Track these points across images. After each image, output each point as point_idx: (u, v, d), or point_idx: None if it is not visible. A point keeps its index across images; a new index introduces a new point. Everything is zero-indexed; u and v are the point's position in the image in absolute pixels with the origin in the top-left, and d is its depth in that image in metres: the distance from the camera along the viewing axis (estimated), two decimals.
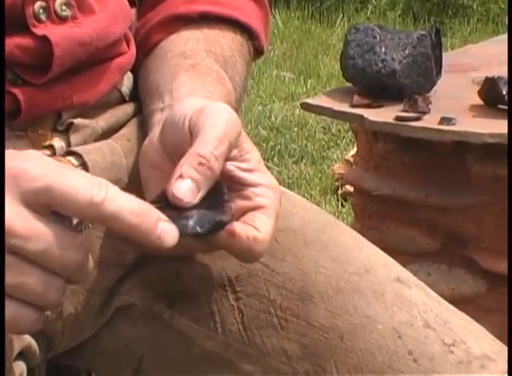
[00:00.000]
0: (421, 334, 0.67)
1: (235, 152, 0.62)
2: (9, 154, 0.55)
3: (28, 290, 0.54)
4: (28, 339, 0.67)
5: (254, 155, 0.63)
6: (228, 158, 0.62)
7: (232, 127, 0.61)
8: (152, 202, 0.59)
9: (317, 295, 0.69)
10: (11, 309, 0.54)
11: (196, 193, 0.59)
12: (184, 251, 0.64)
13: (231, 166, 0.63)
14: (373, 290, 0.69)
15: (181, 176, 0.59)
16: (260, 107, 3.53)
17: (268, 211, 0.62)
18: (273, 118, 3.42)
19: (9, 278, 0.53)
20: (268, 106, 3.57)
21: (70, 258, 0.54)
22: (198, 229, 0.58)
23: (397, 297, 0.69)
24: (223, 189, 0.61)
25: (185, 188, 0.59)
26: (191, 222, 0.57)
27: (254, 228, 0.61)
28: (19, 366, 0.66)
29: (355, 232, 0.75)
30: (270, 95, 3.75)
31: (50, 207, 0.54)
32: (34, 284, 0.54)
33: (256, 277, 0.70)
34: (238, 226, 0.60)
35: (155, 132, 0.66)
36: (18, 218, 0.53)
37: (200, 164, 0.59)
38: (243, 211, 0.62)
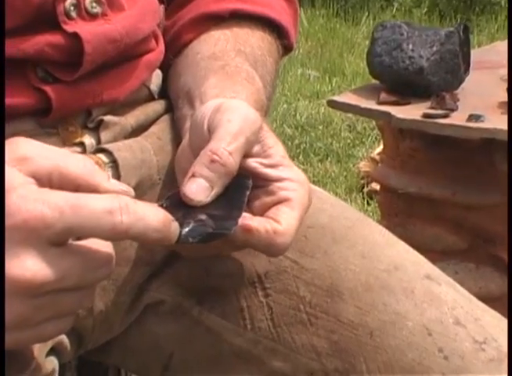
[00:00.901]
0: (451, 332, 0.66)
1: (257, 148, 0.62)
2: (22, 197, 0.52)
3: (64, 310, 0.55)
4: (60, 336, 0.67)
5: (277, 150, 0.63)
6: (250, 155, 0.62)
7: (249, 122, 0.61)
8: (166, 200, 0.59)
9: (346, 292, 0.68)
10: (49, 330, 0.54)
11: (209, 191, 0.59)
12: (210, 251, 0.64)
13: (254, 163, 0.62)
14: (402, 287, 0.68)
15: (193, 175, 0.59)
16: (285, 105, 3.53)
17: (292, 203, 0.61)
18: (298, 116, 3.42)
19: (45, 313, 0.53)
20: (293, 105, 3.56)
21: (102, 273, 0.55)
22: (190, 239, 0.57)
23: (427, 294, 0.68)
24: (246, 187, 0.61)
25: (197, 187, 0.59)
26: (184, 231, 0.57)
27: (275, 220, 0.60)
28: (52, 362, 0.66)
29: (384, 228, 0.74)
30: (295, 94, 3.75)
31: (72, 238, 0.54)
32: (69, 305, 0.55)
33: (285, 274, 0.70)
34: (255, 221, 0.60)
35: (185, 140, 0.66)
36: (45, 263, 0.51)
37: (213, 161, 0.59)
38: (268, 207, 0.61)
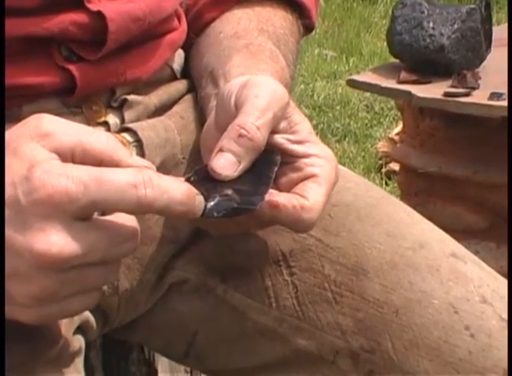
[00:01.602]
0: (478, 310, 0.66)
1: (284, 124, 0.62)
2: (53, 172, 0.52)
3: (89, 285, 0.55)
4: (86, 314, 0.67)
5: (304, 126, 0.63)
6: (277, 131, 0.61)
7: (277, 97, 0.61)
8: (193, 174, 0.59)
9: (371, 270, 0.68)
10: (75, 305, 0.55)
11: (237, 166, 0.59)
12: (237, 229, 0.64)
13: (281, 139, 0.62)
14: (428, 265, 0.68)
15: (221, 150, 0.59)
16: (302, 86, 3.52)
17: (319, 179, 0.61)
18: (315, 97, 3.41)
19: (71, 287, 0.53)
20: (311, 85, 3.55)
21: (127, 248, 0.55)
22: (215, 213, 0.57)
23: (452, 272, 0.68)
24: (274, 163, 0.60)
25: (225, 161, 0.59)
26: (209, 205, 0.56)
27: (302, 196, 0.60)
28: (78, 340, 0.66)
29: (408, 207, 0.74)
30: (312, 74, 3.73)
31: (97, 213, 0.54)
32: (95, 280, 0.55)
33: (310, 252, 0.70)
34: (282, 197, 0.60)
35: (211, 118, 0.65)
36: (71, 238, 0.52)
37: (240, 135, 0.59)
38: (295, 183, 0.61)
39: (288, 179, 0.61)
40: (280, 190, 0.61)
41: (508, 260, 0.69)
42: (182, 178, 0.58)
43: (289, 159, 0.62)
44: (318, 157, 0.62)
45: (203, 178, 0.59)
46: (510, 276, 0.69)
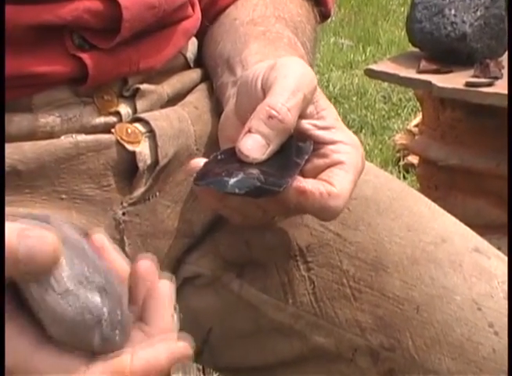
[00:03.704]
0: (502, 306, 0.66)
1: (311, 109, 0.62)
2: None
3: None
4: None
5: (330, 112, 0.62)
6: (304, 116, 0.61)
7: (307, 80, 0.60)
8: (221, 153, 0.59)
9: (391, 265, 0.68)
10: None
11: (265, 148, 0.59)
12: (260, 216, 0.64)
13: (307, 124, 0.62)
14: (450, 260, 0.68)
15: (249, 131, 0.59)
16: (317, 76, 3.50)
17: (346, 166, 0.61)
18: (331, 87, 3.40)
19: None
20: (326, 75, 3.54)
21: None
22: (236, 190, 0.57)
23: (475, 267, 0.68)
24: (305, 151, 0.60)
25: (253, 143, 0.58)
26: (231, 181, 0.56)
27: (329, 183, 0.60)
28: None
29: (429, 200, 0.74)
30: (328, 64, 3.73)
31: None
32: None
33: (328, 247, 0.70)
34: (309, 183, 0.60)
35: (230, 106, 0.65)
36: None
37: (271, 116, 0.58)
38: (321, 170, 0.61)
39: (314, 166, 0.61)
40: (305, 177, 0.61)
41: (508, 258, 0.69)
42: None
43: (315, 145, 0.62)
44: (344, 144, 0.62)
45: (229, 158, 0.58)
46: (510, 275, 0.68)
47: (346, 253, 0.70)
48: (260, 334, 0.72)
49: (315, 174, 0.61)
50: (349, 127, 3.22)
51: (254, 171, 0.58)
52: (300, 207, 0.60)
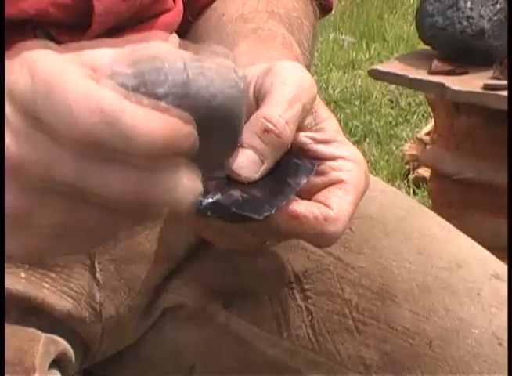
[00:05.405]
0: None
1: (309, 120, 0.62)
2: None
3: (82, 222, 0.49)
4: (64, 345, 0.68)
5: (330, 124, 0.62)
6: (301, 128, 0.61)
7: (306, 87, 0.60)
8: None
9: (400, 294, 0.69)
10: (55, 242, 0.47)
11: (259, 166, 0.58)
12: (249, 242, 0.64)
13: (304, 138, 0.62)
14: (467, 288, 0.69)
15: (241, 145, 0.58)
16: (315, 77, 3.53)
17: (346, 185, 0.60)
18: (330, 90, 3.42)
19: (50, 215, 0.47)
20: (325, 76, 3.57)
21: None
22: (208, 212, 0.56)
23: (495, 296, 0.69)
24: (306, 173, 0.60)
25: (246, 160, 0.58)
26: (205, 202, 0.56)
27: (326, 205, 0.59)
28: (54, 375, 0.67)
29: (443, 220, 0.75)
30: (327, 63, 3.75)
31: None
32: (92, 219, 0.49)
33: (327, 273, 0.70)
34: (303, 206, 0.59)
35: None
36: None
37: (266, 130, 0.58)
38: (318, 189, 0.61)
39: (310, 184, 0.61)
40: (300, 197, 0.60)
41: (508, 262, 0.69)
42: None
43: (313, 162, 0.62)
44: (346, 160, 0.61)
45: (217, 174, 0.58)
46: (510, 282, 0.69)
47: (348, 280, 0.70)
48: (251, 372, 0.72)
49: (311, 194, 0.60)
50: (351, 135, 3.24)
51: (236, 193, 0.57)
52: (292, 233, 0.60)
